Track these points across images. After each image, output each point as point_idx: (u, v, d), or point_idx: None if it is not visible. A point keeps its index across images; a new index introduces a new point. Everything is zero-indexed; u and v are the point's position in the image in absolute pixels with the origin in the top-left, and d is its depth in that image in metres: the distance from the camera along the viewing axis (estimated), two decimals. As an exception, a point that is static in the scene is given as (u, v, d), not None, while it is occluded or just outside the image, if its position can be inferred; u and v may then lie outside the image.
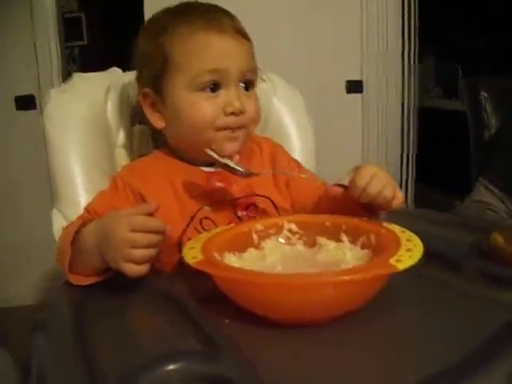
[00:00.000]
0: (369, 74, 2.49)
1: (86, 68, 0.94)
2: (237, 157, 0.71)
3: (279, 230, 0.64)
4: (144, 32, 0.74)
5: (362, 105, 2.51)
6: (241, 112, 0.69)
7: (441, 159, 3.01)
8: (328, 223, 0.63)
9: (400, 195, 0.63)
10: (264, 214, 0.72)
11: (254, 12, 2.04)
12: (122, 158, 0.84)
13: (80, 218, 0.67)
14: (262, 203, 0.73)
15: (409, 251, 0.50)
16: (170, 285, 0.60)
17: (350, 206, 0.64)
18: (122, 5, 3.63)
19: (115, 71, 0.89)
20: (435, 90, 4.22)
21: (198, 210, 0.69)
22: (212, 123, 0.68)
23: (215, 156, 0.69)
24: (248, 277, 0.50)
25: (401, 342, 0.47)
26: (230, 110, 0.69)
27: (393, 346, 0.46)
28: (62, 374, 0.43)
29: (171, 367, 0.39)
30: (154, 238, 0.55)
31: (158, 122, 0.73)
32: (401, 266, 0.46)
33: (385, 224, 0.59)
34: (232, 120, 0.69)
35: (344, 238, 0.60)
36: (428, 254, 0.50)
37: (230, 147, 0.71)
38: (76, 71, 0.90)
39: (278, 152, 0.81)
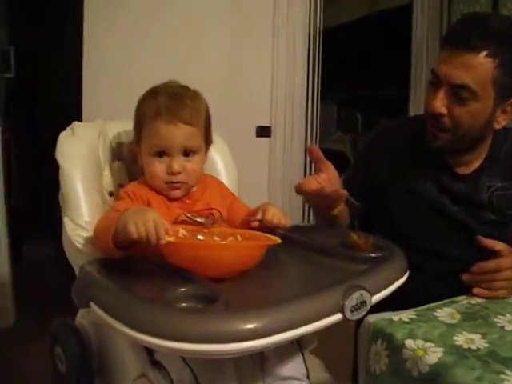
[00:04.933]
0: (276, 121, 2.86)
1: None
2: (194, 188, 1.11)
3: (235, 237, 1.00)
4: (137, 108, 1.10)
5: (270, 148, 2.89)
6: (178, 172, 1.06)
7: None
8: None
9: (289, 221, 1.06)
10: (216, 219, 1.10)
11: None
12: (106, 182, 1.18)
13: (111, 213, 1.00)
14: (214, 212, 1.11)
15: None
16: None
17: (259, 228, 1.05)
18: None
19: (101, 121, 1.23)
20: (336, 134, 4.81)
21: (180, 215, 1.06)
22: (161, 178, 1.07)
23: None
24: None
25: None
26: (169, 170, 1.05)
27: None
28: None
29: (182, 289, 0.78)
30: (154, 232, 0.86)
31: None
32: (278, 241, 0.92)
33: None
34: (171, 178, 1.06)
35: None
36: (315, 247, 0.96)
37: (174, 194, 1.08)
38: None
39: (222, 186, 1.22)
